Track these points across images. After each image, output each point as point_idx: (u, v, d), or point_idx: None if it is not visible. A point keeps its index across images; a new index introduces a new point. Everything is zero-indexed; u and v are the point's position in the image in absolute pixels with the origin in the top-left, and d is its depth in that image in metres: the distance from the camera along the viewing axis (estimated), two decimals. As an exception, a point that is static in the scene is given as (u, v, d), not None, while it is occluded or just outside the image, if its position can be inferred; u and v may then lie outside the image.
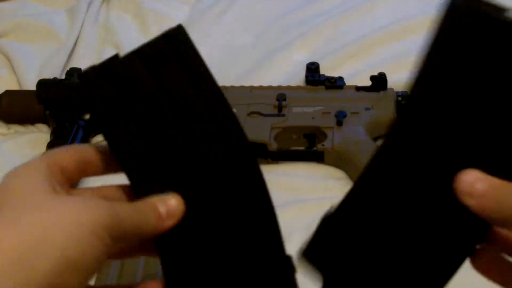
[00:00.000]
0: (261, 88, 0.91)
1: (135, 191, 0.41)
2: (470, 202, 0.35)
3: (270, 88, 0.91)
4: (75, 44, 1.07)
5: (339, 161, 0.81)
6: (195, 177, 0.41)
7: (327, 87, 0.90)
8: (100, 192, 0.43)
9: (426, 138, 0.38)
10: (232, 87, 0.91)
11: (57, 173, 0.39)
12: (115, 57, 0.41)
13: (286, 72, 0.99)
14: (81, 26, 1.10)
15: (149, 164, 0.41)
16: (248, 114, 0.86)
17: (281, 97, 0.88)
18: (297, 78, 0.96)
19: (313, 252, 0.41)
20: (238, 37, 1.09)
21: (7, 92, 0.94)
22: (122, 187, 0.43)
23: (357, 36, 1.04)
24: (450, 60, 0.38)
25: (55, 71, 1.00)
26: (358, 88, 0.89)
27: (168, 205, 0.40)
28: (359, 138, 0.81)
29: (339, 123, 0.83)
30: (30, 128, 0.92)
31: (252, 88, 0.91)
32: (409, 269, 0.39)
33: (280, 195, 0.69)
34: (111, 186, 0.44)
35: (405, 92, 0.87)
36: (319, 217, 0.41)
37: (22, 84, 0.99)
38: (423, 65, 0.39)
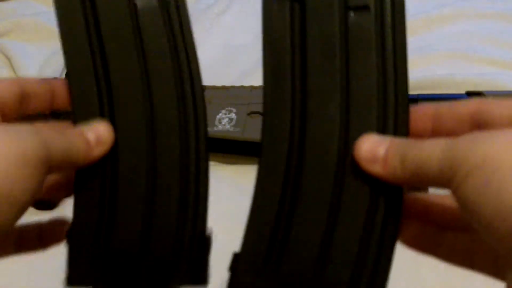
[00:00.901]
0: (261, 87, 0.91)
1: (74, 122, 0.41)
2: (376, 168, 0.34)
3: (270, 87, 0.91)
4: (75, 44, 1.07)
5: (339, 161, 0.81)
6: (135, 118, 0.40)
7: (327, 87, 0.90)
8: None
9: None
10: (233, 87, 0.91)
11: None
12: None
13: (286, 72, 1.00)
14: (81, 26, 1.10)
15: (95, 97, 0.41)
16: (249, 114, 0.86)
17: (281, 96, 0.88)
18: (297, 78, 0.96)
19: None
20: (238, 36, 1.10)
21: (7, 91, 0.94)
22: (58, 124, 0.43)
23: (357, 36, 1.04)
24: None
25: (55, 71, 1.00)
26: (358, 88, 0.89)
27: (97, 132, 0.39)
28: (359, 138, 0.81)
29: (339, 123, 0.83)
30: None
31: (252, 87, 0.91)
32: (336, 264, 0.38)
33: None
34: (46, 123, 0.43)
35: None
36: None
37: (22, 84, 0.99)
38: None
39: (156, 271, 0.39)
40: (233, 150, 0.84)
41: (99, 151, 0.39)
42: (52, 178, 0.42)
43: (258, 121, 0.85)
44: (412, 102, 0.92)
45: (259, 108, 0.87)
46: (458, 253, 0.37)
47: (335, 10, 0.37)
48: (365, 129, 0.36)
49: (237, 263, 0.39)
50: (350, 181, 0.36)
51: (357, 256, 0.37)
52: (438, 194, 0.37)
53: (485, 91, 0.85)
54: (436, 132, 0.36)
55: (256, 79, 0.97)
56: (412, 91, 0.91)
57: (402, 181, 0.34)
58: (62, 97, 0.42)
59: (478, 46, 1.01)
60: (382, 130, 0.36)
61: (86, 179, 0.40)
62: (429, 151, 0.32)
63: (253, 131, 0.83)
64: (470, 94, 0.86)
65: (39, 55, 1.05)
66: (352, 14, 0.37)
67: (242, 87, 0.92)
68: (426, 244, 0.38)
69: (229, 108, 0.87)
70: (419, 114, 0.37)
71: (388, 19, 0.36)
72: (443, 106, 0.36)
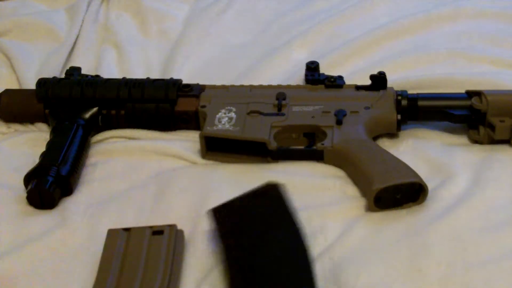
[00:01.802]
0: (261, 87, 0.91)
1: None
2: None
3: (269, 87, 0.91)
4: (74, 43, 1.07)
5: (338, 160, 0.81)
6: None
7: (327, 86, 0.90)
8: None
9: None
10: (232, 86, 0.91)
11: None
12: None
13: (286, 71, 1.00)
14: (81, 25, 1.10)
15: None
16: (248, 113, 0.86)
17: (280, 96, 0.88)
18: (297, 77, 0.96)
19: None
20: (238, 36, 1.10)
21: (7, 91, 0.94)
22: None
23: (357, 35, 1.04)
24: None
25: (55, 70, 1.00)
26: (358, 87, 0.89)
27: None
28: (359, 137, 0.81)
29: (339, 122, 0.83)
30: (29, 127, 0.92)
31: (252, 87, 0.91)
32: None
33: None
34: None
35: (405, 91, 0.87)
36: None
37: (22, 83, 0.99)
38: None
39: None
40: (232, 149, 0.83)
41: None
42: None
43: (257, 120, 0.85)
44: (412, 101, 0.93)
45: (259, 107, 0.87)
46: None
47: None
48: None
49: None
50: None
51: None
52: None
53: (484, 90, 0.85)
54: None
55: (255, 78, 0.97)
56: (412, 90, 0.92)
57: None
58: None
59: (478, 45, 1.01)
60: None
61: None
62: None
63: (253, 130, 0.83)
64: (469, 94, 0.86)
65: (39, 55, 1.05)
66: None
67: (242, 86, 0.92)
68: None
69: (228, 107, 0.86)
70: None
71: None
72: None
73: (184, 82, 0.92)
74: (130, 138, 0.89)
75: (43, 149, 0.83)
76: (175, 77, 0.94)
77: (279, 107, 0.86)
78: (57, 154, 0.81)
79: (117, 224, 0.71)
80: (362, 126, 0.83)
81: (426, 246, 0.68)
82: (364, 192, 0.76)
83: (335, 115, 0.84)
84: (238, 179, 0.79)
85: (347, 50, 1.01)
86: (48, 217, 0.76)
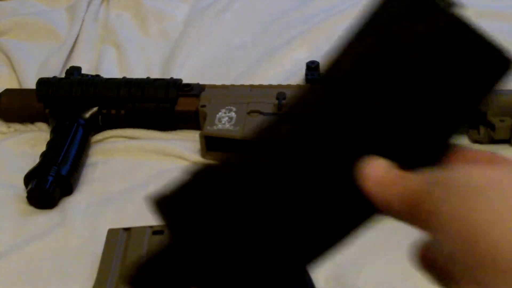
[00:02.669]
0: (261, 86, 0.91)
1: None
2: (366, 184, 0.35)
3: (270, 86, 0.91)
4: (74, 43, 1.07)
5: (339, 160, 0.81)
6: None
7: (327, 86, 0.90)
8: None
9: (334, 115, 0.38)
10: (232, 86, 0.91)
11: None
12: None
13: (286, 70, 1.00)
14: (81, 25, 1.10)
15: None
16: (248, 113, 0.86)
17: (281, 95, 0.88)
18: (297, 76, 0.96)
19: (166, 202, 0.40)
20: (238, 35, 1.10)
21: (7, 90, 0.94)
22: None
23: (357, 35, 1.04)
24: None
25: (55, 70, 1.00)
26: (358, 87, 0.89)
27: None
28: (359, 137, 0.81)
29: (339, 122, 0.83)
30: (30, 126, 0.92)
31: (252, 86, 0.91)
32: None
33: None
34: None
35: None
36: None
37: (22, 83, 0.99)
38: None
39: None
40: (233, 149, 0.83)
41: None
42: None
43: (257, 119, 0.85)
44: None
45: (259, 107, 0.87)
46: None
47: None
48: None
49: None
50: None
51: None
52: None
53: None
54: None
55: (255, 78, 0.97)
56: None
57: (391, 213, 0.36)
58: None
59: (478, 45, 1.01)
60: None
61: None
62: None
63: (253, 130, 0.83)
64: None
65: (39, 54, 1.05)
66: None
67: (242, 86, 0.92)
68: None
69: (229, 107, 0.87)
70: None
71: None
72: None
73: (184, 81, 0.92)
74: (130, 138, 0.89)
75: (43, 148, 0.83)
76: (175, 76, 0.94)
77: (279, 107, 0.86)
78: (57, 153, 0.81)
79: (117, 224, 0.71)
80: (362, 126, 0.83)
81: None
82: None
83: (335, 114, 0.84)
84: (238, 179, 0.79)
85: (347, 50, 1.01)
86: (48, 217, 0.76)
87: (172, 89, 0.89)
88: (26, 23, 1.11)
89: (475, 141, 0.85)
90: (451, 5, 0.37)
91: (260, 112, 0.86)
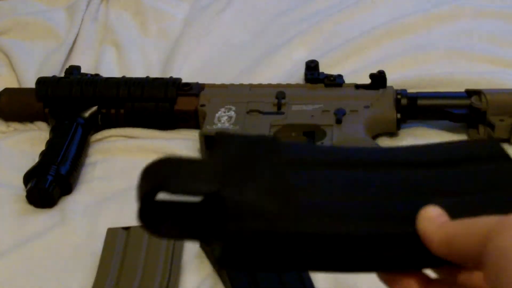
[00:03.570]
0: (260, 86, 0.91)
1: None
2: (429, 230, 0.37)
3: (269, 86, 0.91)
4: (74, 42, 1.07)
5: (338, 159, 0.81)
6: None
7: (326, 85, 0.90)
8: None
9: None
10: (231, 85, 0.91)
11: None
12: None
13: (285, 70, 0.99)
14: (81, 24, 1.10)
15: None
16: (247, 112, 0.86)
17: (280, 95, 0.87)
18: (297, 76, 0.96)
19: None
20: (237, 35, 1.09)
21: (7, 90, 0.94)
22: None
23: (357, 34, 1.04)
24: None
25: (55, 69, 1.00)
26: (358, 86, 0.89)
27: None
28: (358, 136, 0.81)
29: (338, 121, 0.83)
30: (29, 126, 0.92)
31: (251, 86, 0.91)
32: None
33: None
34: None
35: (405, 90, 0.87)
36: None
37: (22, 82, 0.99)
38: None
39: None
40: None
41: None
42: None
43: (257, 119, 0.85)
44: (412, 100, 0.92)
45: (258, 106, 0.87)
46: None
47: None
48: None
49: None
50: None
51: None
52: None
53: (484, 89, 0.85)
54: None
55: (255, 77, 0.97)
56: (412, 89, 0.91)
57: (440, 254, 0.37)
58: None
59: (478, 44, 1.01)
60: None
61: None
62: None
63: (252, 129, 0.83)
64: (469, 93, 0.86)
65: (38, 53, 1.05)
66: None
67: (241, 85, 0.92)
68: None
69: (228, 106, 0.86)
70: None
71: None
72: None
73: (184, 81, 0.92)
74: (129, 137, 0.89)
75: (43, 148, 0.83)
76: (175, 76, 0.94)
77: (279, 106, 0.86)
78: (56, 153, 0.81)
79: (116, 223, 0.71)
80: (361, 125, 0.83)
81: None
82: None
83: (335, 114, 0.84)
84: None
85: (347, 49, 1.01)
86: (47, 216, 0.76)
87: (171, 88, 0.89)
88: (25, 22, 1.11)
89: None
90: None
91: (259, 112, 0.86)
